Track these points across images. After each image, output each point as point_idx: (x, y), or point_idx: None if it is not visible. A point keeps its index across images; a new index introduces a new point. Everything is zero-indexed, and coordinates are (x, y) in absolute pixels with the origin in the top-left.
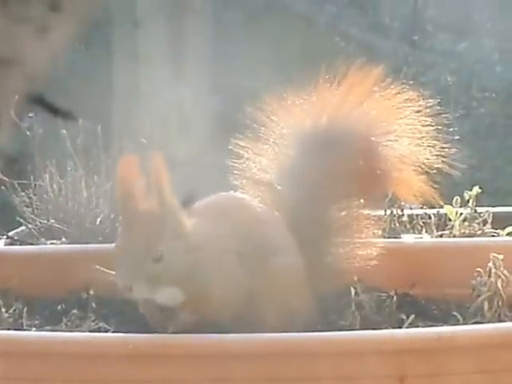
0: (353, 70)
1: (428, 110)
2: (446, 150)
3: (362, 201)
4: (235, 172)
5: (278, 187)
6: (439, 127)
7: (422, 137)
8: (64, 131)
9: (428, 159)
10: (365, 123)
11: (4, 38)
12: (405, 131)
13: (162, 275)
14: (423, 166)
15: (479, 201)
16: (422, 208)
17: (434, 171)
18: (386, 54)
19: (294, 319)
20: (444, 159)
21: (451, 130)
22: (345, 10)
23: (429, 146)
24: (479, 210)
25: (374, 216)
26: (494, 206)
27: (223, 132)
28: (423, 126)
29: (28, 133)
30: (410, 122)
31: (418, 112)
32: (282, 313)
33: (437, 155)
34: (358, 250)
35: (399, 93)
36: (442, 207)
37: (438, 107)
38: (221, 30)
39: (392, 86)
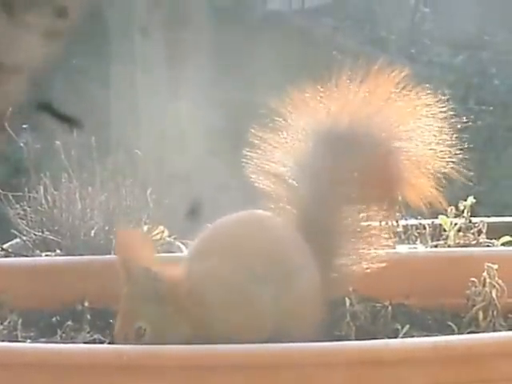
0: (374, 71)
1: (444, 115)
2: (458, 156)
3: (374, 207)
4: (249, 162)
5: (293, 182)
6: (453, 133)
7: (438, 143)
8: (58, 143)
9: (442, 165)
10: (386, 127)
11: (9, 44)
12: (422, 136)
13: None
14: (436, 172)
15: (477, 213)
16: (416, 218)
17: (442, 177)
18: (383, 67)
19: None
20: (455, 165)
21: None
22: (342, 23)
23: (443, 152)
24: (474, 220)
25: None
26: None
27: (222, 147)
28: (439, 131)
29: (22, 144)
30: (427, 127)
31: (434, 117)
32: (310, 327)
33: (450, 161)
34: (365, 257)
35: (418, 97)
36: (436, 217)
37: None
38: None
39: (411, 90)
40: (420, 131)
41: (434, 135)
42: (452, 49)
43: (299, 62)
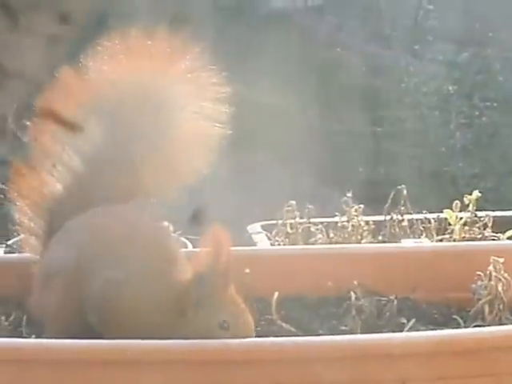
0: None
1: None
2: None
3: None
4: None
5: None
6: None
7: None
8: None
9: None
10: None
11: (12, 49)
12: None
13: None
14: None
15: (482, 209)
16: (421, 212)
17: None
18: (387, 64)
19: None
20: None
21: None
22: (346, 20)
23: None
24: (479, 214)
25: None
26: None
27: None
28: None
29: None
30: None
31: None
32: None
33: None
34: None
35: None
36: (441, 212)
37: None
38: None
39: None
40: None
41: (213, 113)
42: (456, 46)
43: (303, 59)
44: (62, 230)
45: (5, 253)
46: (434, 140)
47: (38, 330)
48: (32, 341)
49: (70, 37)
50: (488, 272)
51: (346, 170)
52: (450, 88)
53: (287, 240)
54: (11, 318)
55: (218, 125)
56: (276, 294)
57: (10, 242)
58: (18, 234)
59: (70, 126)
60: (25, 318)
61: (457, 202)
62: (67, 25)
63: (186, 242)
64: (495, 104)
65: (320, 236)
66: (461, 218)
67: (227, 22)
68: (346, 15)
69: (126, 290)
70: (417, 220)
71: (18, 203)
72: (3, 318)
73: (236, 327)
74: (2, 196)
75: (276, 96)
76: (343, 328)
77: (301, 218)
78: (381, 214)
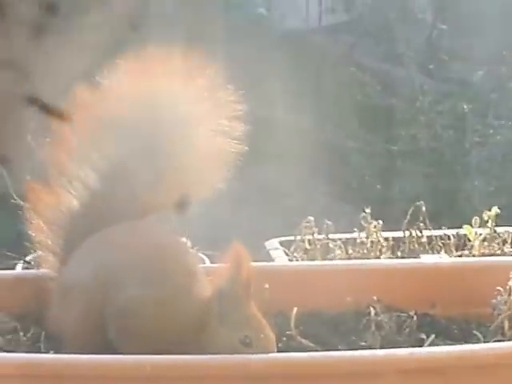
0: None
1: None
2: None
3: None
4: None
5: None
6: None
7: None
8: None
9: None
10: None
11: (1, 40)
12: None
13: None
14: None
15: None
16: (440, 229)
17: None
18: (401, 83)
19: None
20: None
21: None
22: (360, 39)
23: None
24: (498, 230)
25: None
26: None
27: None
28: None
29: None
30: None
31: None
32: None
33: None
34: None
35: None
36: (460, 227)
37: None
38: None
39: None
40: (218, 123)
41: (229, 131)
42: (471, 64)
43: (317, 78)
44: (82, 246)
45: (23, 269)
46: (448, 158)
47: (56, 345)
48: (51, 356)
49: (56, 26)
50: (508, 287)
51: (361, 188)
52: (465, 106)
53: (305, 256)
54: (29, 334)
55: (234, 141)
56: (295, 309)
57: (28, 258)
58: (36, 251)
59: (58, 115)
60: (43, 333)
61: (476, 218)
62: (53, 14)
63: (204, 257)
64: (510, 122)
65: (338, 252)
66: (480, 234)
67: (241, 42)
68: (360, 34)
69: (149, 307)
70: (436, 236)
71: (33, 221)
72: (22, 333)
73: (258, 343)
74: (20, 212)
75: (291, 115)
76: (362, 344)
77: (319, 233)
78: (397, 230)
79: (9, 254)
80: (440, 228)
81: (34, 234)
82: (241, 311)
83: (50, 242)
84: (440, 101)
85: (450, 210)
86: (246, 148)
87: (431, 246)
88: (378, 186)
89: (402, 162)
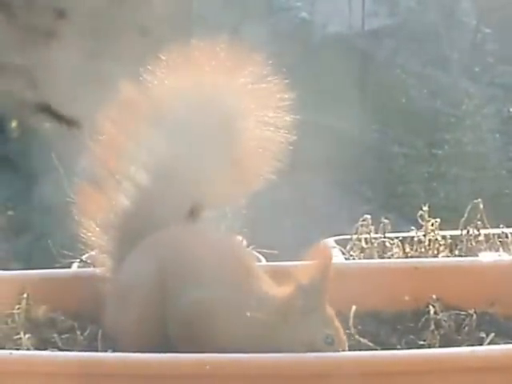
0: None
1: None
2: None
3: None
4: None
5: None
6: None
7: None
8: None
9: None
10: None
11: (9, 46)
12: (265, 119)
13: None
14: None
15: None
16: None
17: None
18: (446, 87)
19: None
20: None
21: None
22: (404, 43)
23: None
24: None
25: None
26: None
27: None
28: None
29: None
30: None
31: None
32: None
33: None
34: None
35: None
36: None
37: None
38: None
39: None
40: (264, 114)
41: (276, 121)
42: None
43: (360, 82)
44: (139, 247)
45: (79, 267)
46: (494, 162)
47: (112, 344)
48: (109, 355)
49: (66, 32)
50: None
51: (405, 193)
52: (511, 110)
53: (362, 255)
54: (86, 333)
55: (281, 132)
56: (353, 308)
57: (84, 257)
58: (91, 250)
59: (67, 122)
60: (100, 332)
61: None
62: (63, 20)
63: (259, 255)
64: None
65: (396, 250)
66: None
67: (284, 47)
68: (404, 38)
69: (219, 308)
70: (493, 235)
71: (85, 223)
72: (78, 332)
73: (338, 343)
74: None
75: (335, 119)
76: (421, 343)
77: (375, 232)
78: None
79: (65, 252)
80: (498, 226)
81: (86, 236)
82: (323, 310)
83: (103, 243)
84: (485, 104)
85: (496, 214)
86: (289, 151)
87: (489, 244)
88: (421, 192)
89: (446, 166)
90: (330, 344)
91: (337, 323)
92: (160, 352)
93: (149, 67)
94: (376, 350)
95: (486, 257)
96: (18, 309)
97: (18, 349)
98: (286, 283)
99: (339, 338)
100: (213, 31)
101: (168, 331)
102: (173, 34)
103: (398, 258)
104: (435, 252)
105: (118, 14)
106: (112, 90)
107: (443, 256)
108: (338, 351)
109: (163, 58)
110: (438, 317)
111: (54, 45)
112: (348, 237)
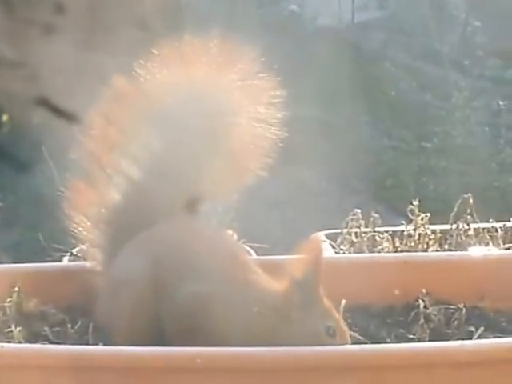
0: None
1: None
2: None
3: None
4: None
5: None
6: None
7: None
8: None
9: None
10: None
11: (9, 40)
12: (256, 115)
13: None
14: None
15: None
16: (488, 221)
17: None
18: (435, 80)
19: None
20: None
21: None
22: (393, 36)
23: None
24: None
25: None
26: None
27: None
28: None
29: None
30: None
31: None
32: None
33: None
34: None
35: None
36: (508, 220)
37: None
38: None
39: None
40: (256, 110)
41: (267, 117)
42: (504, 61)
43: (350, 75)
44: (132, 242)
45: (69, 261)
46: (484, 155)
47: (104, 337)
48: (100, 348)
49: (65, 27)
50: None
51: (396, 186)
52: (501, 103)
53: (352, 249)
54: (77, 326)
55: (272, 128)
56: (343, 302)
57: (74, 251)
58: (81, 244)
59: (66, 116)
60: (91, 325)
61: None
62: (62, 15)
63: (249, 249)
64: None
65: (386, 245)
66: None
67: (274, 39)
68: (393, 31)
69: (215, 302)
70: (483, 229)
71: (76, 217)
72: (69, 325)
73: (339, 334)
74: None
75: (324, 111)
76: (411, 336)
77: (365, 226)
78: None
79: (56, 246)
80: (487, 221)
81: (77, 230)
82: (321, 303)
83: (93, 237)
84: (474, 97)
85: (484, 207)
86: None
87: (478, 238)
88: (410, 185)
89: (436, 159)
90: (332, 335)
91: (336, 314)
92: (153, 345)
93: (141, 62)
94: (366, 343)
95: (476, 251)
96: (9, 302)
97: (9, 342)
98: (277, 277)
99: (341, 329)
100: (204, 23)
101: (163, 326)
102: (165, 26)
103: (388, 252)
104: (425, 246)
105: (113, 7)
106: (109, 83)
107: (433, 250)
108: (342, 342)
109: (156, 52)
110: (428, 311)
111: (52, 38)
112: (338, 231)
